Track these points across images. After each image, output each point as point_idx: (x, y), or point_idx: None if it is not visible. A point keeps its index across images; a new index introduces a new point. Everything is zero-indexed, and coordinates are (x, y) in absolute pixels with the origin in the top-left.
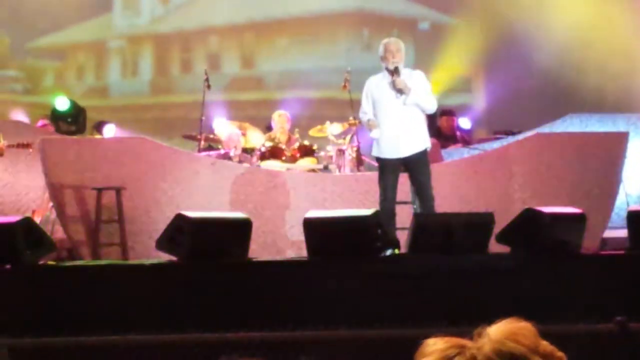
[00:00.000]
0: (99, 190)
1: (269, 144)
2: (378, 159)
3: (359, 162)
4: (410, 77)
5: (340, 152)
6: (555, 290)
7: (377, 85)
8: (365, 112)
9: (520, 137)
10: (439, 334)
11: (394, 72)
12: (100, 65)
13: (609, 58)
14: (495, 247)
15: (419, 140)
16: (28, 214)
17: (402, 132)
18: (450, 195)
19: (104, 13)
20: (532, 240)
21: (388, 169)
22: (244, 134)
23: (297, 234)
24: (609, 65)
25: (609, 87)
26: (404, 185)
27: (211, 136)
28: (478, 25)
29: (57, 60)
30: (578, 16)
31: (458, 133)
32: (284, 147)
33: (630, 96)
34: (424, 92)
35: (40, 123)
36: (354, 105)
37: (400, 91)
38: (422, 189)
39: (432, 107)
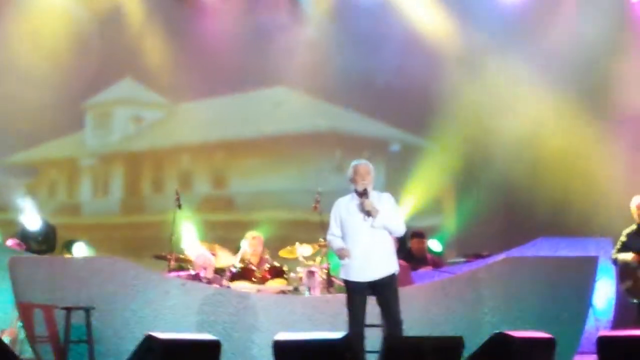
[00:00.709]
0: (68, 310)
1: (239, 265)
2: (346, 282)
3: (329, 283)
4: (379, 199)
5: (311, 273)
6: None
7: (346, 207)
8: (334, 233)
9: (489, 260)
10: None
11: (362, 194)
12: (72, 182)
13: (579, 182)
14: None
15: (387, 264)
16: None
17: (370, 256)
18: (420, 318)
19: (76, 131)
20: None
21: (356, 292)
22: (214, 254)
23: (267, 356)
24: (580, 190)
25: (580, 211)
26: (375, 307)
27: (181, 256)
28: (449, 147)
29: (29, 177)
30: (553, 138)
31: (429, 255)
32: (254, 268)
33: (600, 221)
34: (392, 214)
35: (10, 242)
36: (325, 226)
37: (368, 213)
38: (389, 313)
39: (400, 230)
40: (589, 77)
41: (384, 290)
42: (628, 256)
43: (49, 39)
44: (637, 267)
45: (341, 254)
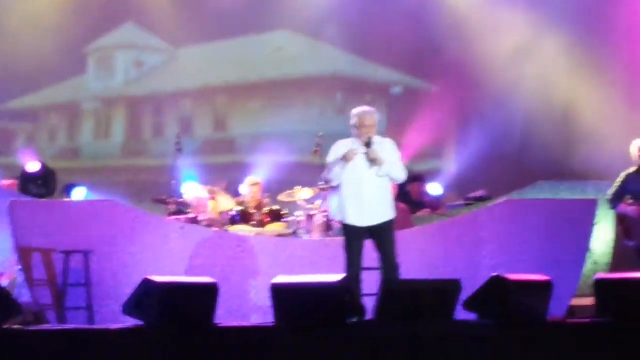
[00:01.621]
0: (67, 254)
1: (238, 208)
2: (344, 226)
3: (328, 227)
4: (382, 144)
5: (310, 217)
6: (522, 358)
7: (348, 148)
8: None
9: (489, 203)
10: None
11: (367, 144)
12: (72, 127)
13: (580, 124)
14: (462, 314)
15: (385, 210)
16: None
17: (370, 201)
18: (419, 261)
19: (77, 75)
20: (499, 307)
21: (354, 236)
22: (214, 199)
23: (264, 300)
24: (581, 132)
25: (580, 155)
26: (373, 251)
27: (180, 200)
28: (450, 90)
29: (30, 122)
30: (550, 83)
31: (427, 198)
32: (253, 211)
33: (600, 163)
34: (395, 162)
35: (5, 182)
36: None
37: (373, 162)
38: (387, 258)
39: (402, 177)
40: (590, 23)
41: (382, 235)
42: (629, 210)
43: None
44: (637, 215)
45: (348, 154)
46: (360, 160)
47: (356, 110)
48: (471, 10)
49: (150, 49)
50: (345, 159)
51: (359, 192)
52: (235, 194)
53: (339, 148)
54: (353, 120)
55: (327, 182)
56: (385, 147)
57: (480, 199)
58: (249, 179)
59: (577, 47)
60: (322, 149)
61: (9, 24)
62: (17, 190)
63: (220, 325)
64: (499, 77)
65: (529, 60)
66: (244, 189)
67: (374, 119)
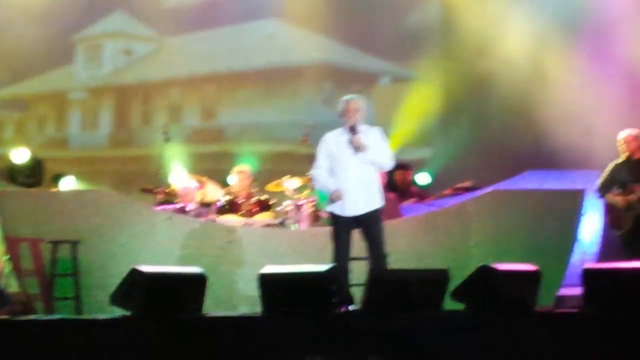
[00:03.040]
0: (55, 244)
1: (226, 198)
2: (332, 216)
3: (316, 217)
4: (368, 133)
5: (298, 207)
6: (510, 348)
7: (335, 142)
8: (320, 166)
9: (477, 192)
10: None
11: (352, 130)
12: (60, 116)
13: (569, 115)
14: (450, 304)
15: (373, 199)
16: None
17: (357, 190)
18: (407, 251)
19: (65, 64)
20: (487, 297)
21: (341, 226)
22: (202, 188)
23: (253, 290)
24: (569, 122)
25: (568, 144)
26: (361, 240)
27: (168, 190)
28: (438, 79)
29: (17, 111)
30: (540, 72)
31: (413, 187)
32: (241, 201)
33: (589, 153)
34: (381, 149)
35: None
36: (313, 159)
37: (357, 148)
38: (374, 247)
39: (388, 165)
40: (574, 8)
41: (369, 224)
42: (616, 200)
43: None
44: (624, 206)
45: (335, 195)
46: (344, 148)
47: (342, 98)
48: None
49: (138, 37)
50: (332, 200)
51: (344, 181)
52: (223, 183)
53: (328, 141)
54: (339, 107)
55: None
56: (372, 135)
57: (468, 189)
58: (236, 167)
59: (564, 32)
60: (310, 138)
61: None
62: (4, 180)
63: (208, 315)
64: (486, 64)
65: (518, 46)
66: (232, 177)
67: (358, 104)
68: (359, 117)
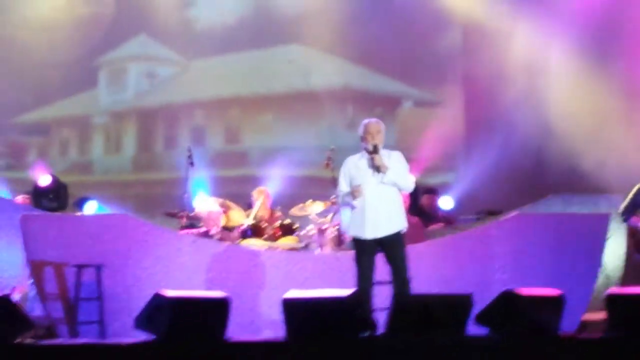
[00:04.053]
0: (79, 268)
1: (250, 222)
2: (354, 239)
3: (340, 241)
4: (389, 157)
5: (322, 231)
6: None
7: (355, 165)
8: (342, 190)
9: (501, 217)
10: None
11: (373, 150)
12: (84, 140)
13: (592, 138)
14: (474, 328)
15: (394, 221)
16: (7, 291)
17: (378, 212)
18: (431, 275)
19: (89, 89)
20: (511, 322)
21: (364, 249)
22: (225, 212)
23: (276, 314)
24: (593, 146)
25: (591, 168)
26: (385, 264)
27: (192, 214)
28: (461, 102)
29: (41, 136)
30: (564, 98)
31: (440, 212)
32: (265, 225)
33: (612, 177)
34: (401, 171)
35: (19, 198)
36: (336, 183)
37: (377, 169)
38: (397, 271)
39: (409, 187)
40: (601, 35)
41: (391, 247)
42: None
43: None
44: None
45: (354, 192)
46: (364, 169)
47: (363, 121)
48: (481, 23)
49: (162, 60)
50: (354, 196)
51: (365, 203)
52: (247, 207)
53: (348, 164)
54: (360, 131)
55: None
56: (392, 158)
57: (492, 213)
58: (256, 189)
59: (591, 59)
60: (333, 162)
61: (22, 37)
62: (30, 204)
63: (232, 339)
64: (509, 89)
65: (540, 72)
66: (254, 200)
67: (378, 127)
68: (379, 139)
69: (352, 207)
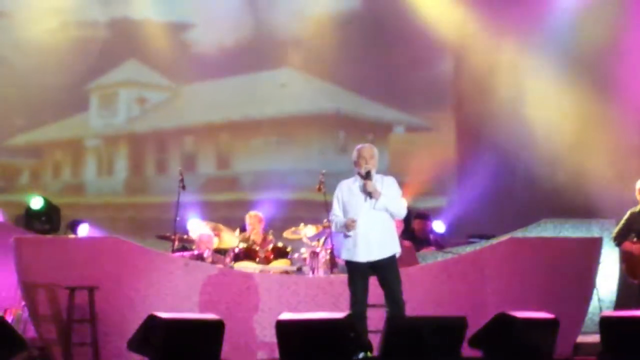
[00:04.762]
0: (72, 290)
1: (242, 245)
2: (347, 262)
3: (332, 264)
4: (382, 182)
5: (314, 254)
6: None
7: (348, 189)
8: (336, 214)
9: (493, 241)
10: None
11: (366, 176)
12: (76, 163)
13: (582, 163)
14: (468, 351)
15: (387, 245)
16: (0, 313)
17: (370, 236)
18: (424, 298)
19: (81, 112)
20: (505, 345)
21: (357, 273)
22: (218, 235)
23: (270, 336)
24: (583, 171)
25: (584, 193)
26: (378, 287)
27: (185, 237)
28: (452, 127)
29: (33, 158)
30: (555, 121)
31: (431, 236)
32: (257, 248)
33: (603, 202)
34: (394, 197)
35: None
36: (329, 207)
37: (370, 194)
38: (391, 294)
39: (401, 212)
40: (594, 59)
41: (385, 270)
42: (633, 248)
43: (55, 19)
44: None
45: (349, 226)
46: (357, 194)
47: (356, 146)
48: (472, 49)
49: (152, 86)
50: (348, 229)
51: (358, 227)
52: (240, 231)
53: (342, 188)
54: (353, 155)
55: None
56: (385, 183)
57: (484, 237)
58: (249, 213)
59: (581, 85)
60: (325, 186)
61: (14, 61)
62: (21, 227)
63: None
64: (500, 114)
65: (530, 98)
66: (246, 224)
67: (371, 152)
68: (372, 163)
69: (346, 236)
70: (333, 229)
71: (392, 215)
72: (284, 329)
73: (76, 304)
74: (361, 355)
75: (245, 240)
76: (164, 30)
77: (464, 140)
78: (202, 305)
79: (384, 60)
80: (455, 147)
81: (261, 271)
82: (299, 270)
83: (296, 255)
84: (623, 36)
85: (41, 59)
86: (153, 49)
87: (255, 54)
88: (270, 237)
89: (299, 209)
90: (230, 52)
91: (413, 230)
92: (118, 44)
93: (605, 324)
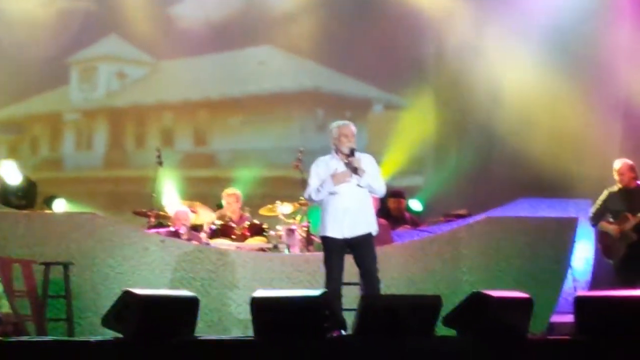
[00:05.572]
0: (47, 265)
1: (219, 222)
2: (324, 239)
3: (308, 242)
4: (362, 159)
5: (290, 231)
6: None
7: (326, 165)
8: (313, 186)
9: (470, 220)
10: None
11: (350, 153)
12: (55, 137)
13: (559, 143)
14: (442, 330)
15: (365, 223)
16: None
17: (348, 213)
18: (399, 277)
19: (61, 86)
20: (479, 324)
21: (334, 249)
22: (194, 212)
23: (244, 313)
24: (560, 151)
25: (559, 172)
26: (353, 266)
27: (161, 213)
28: (430, 107)
29: (12, 134)
30: (533, 101)
31: (407, 214)
32: (234, 225)
33: (579, 182)
34: (375, 175)
35: None
36: (306, 185)
37: (355, 171)
38: (367, 272)
39: (382, 190)
40: (573, 42)
41: (361, 248)
42: (610, 228)
43: None
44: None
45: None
46: (340, 171)
47: (334, 123)
48: (454, 29)
49: (132, 61)
50: (338, 180)
51: (337, 203)
52: (216, 208)
53: (320, 166)
54: (333, 132)
55: (310, 199)
56: (364, 161)
57: (460, 216)
58: (226, 190)
59: (561, 67)
60: (302, 163)
61: None
62: None
63: (200, 338)
64: (479, 94)
65: (509, 74)
66: (223, 201)
67: (352, 130)
68: (353, 142)
69: (332, 193)
70: (314, 197)
71: (373, 192)
72: (259, 306)
73: (51, 279)
74: (335, 333)
75: (222, 217)
76: (150, 2)
77: (443, 119)
78: (177, 282)
79: (366, 38)
80: (434, 126)
81: (237, 248)
82: (275, 247)
83: (272, 232)
84: (603, 19)
85: (22, 31)
86: (137, 22)
87: (240, 30)
88: (247, 214)
89: (276, 186)
90: (216, 28)
91: (388, 208)
92: (102, 16)
93: (580, 304)
